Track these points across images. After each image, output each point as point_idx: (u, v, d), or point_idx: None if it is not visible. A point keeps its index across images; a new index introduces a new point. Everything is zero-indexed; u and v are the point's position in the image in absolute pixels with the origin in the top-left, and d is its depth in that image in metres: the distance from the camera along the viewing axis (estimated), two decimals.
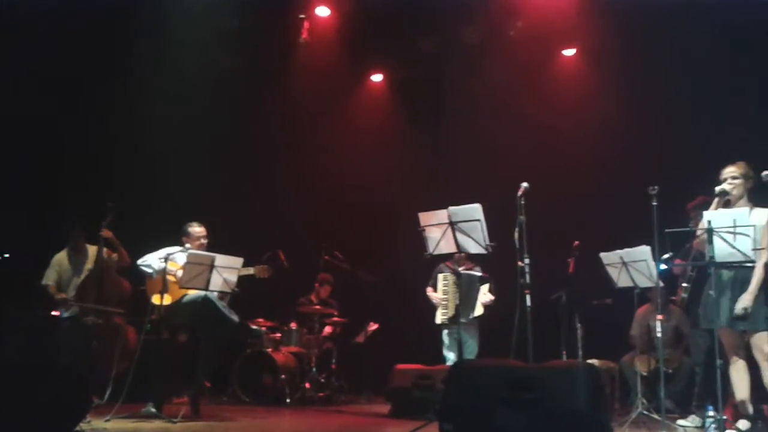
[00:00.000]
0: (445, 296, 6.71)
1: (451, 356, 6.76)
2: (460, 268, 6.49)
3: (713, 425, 4.66)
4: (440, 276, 6.81)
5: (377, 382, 7.61)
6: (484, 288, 6.59)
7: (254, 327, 7.56)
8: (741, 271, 4.86)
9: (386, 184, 8.76)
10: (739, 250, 4.64)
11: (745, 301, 4.76)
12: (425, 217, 5.45)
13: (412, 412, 5.73)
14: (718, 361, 4.78)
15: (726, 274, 4.93)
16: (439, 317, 6.73)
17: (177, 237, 6.17)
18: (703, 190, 5.78)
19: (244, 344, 7.51)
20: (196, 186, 8.24)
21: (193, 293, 5.79)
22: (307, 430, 5.42)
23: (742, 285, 4.85)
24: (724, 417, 4.71)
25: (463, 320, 6.29)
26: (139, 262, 6.00)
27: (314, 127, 9.05)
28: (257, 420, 5.83)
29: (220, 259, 5.63)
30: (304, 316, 7.91)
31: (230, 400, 7.10)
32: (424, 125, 8.82)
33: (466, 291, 6.44)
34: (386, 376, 6.58)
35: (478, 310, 6.53)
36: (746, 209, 4.72)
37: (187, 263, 5.60)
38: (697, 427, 5.50)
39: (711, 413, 4.86)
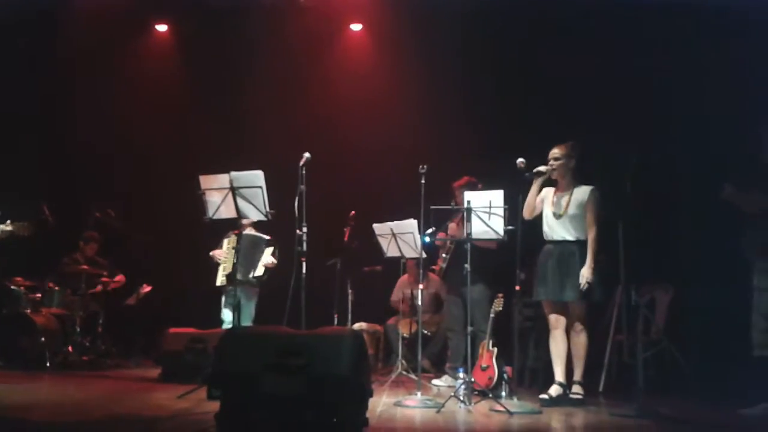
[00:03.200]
0: (227, 256, 6.70)
1: (228, 318, 6.79)
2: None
3: (462, 386, 5.13)
4: (225, 240, 6.78)
5: (148, 346, 7.44)
6: (269, 251, 6.67)
7: (12, 287, 7.01)
8: (565, 246, 5.32)
9: (167, 142, 8.46)
10: (492, 229, 5.16)
11: (587, 275, 5.15)
12: (206, 180, 5.39)
13: (183, 377, 5.67)
14: (469, 328, 5.32)
15: (553, 249, 5.35)
16: (219, 278, 6.70)
17: None
18: (468, 171, 6.34)
19: None
20: None
21: None
22: (66, 395, 5.15)
23: (567, 259, 5.27)
24: (472, 379, 5.23)
25: (240, 278, 6.30)
26: None
27: (92, 72, 8.46)
28: (11, 385, 5.46)
29: None
30: (69, 276, 7.45)
31: None
32: (210, 84, 8.60)
33: (247, 251, 6.43)
34: (158, 339, 6.46)
35: (259, 270, 6.59)
36: (501, 192, 5.18)
37: None
38: (449, 386, 6.03)
39: (461, 375, 5.34)
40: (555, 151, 5.44)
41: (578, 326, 5.32)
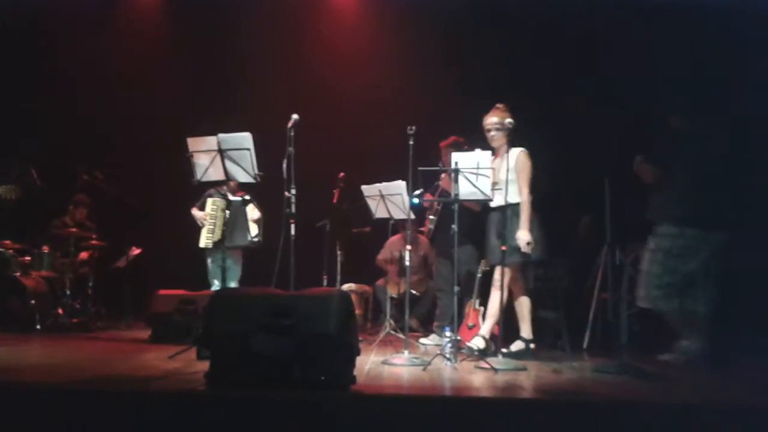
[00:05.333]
0: (213, 220, 6.68)
1: (215, 281, 6.83)
2: (231, 195, 6.49)
3: (449, 344, 5.21)
4: (209, 200, 6.75)
5: (138, 308, 7.48)
6: (250, 208, 6.67)
7: (0, 250, 7.01)
8: (500, 211, 5.35)
9: (155, 103, 8.40)
10: (480, 190, 5.15)
11: (524, 237, 5.21)
12: (194, 143, 5.34)
13: (173, 338, 5.74)
14: (456, 288, 5.36)
15: (493, 215, 5.41)
16: (203, 240, 6.70)
17: None
18: (456, 131, 6.34)
19: None
20: None
21: None
22: (57, 357, 5.19)
23: (503, 223, 5.27)
24: (458, 337, 5.30)
25: (240, 244, 6.34)
26: None
27: (79, 33, 8.36)
28: (1, 347, 5.49)
29: None
30: (58, 239, 7.46)
31: None
32: (198, 45, 8.52)
33: (235, 220, 6.44)
34: (147, 301, 6.50)
35: (254, 230, 6.60)
36: (488, 153, 5.16)
37: None
38: (435, 345, 6.11)
39: (448, 333, 5.41)
40: (494, 120, 5.44)
41: (513, 288, 5.44)
